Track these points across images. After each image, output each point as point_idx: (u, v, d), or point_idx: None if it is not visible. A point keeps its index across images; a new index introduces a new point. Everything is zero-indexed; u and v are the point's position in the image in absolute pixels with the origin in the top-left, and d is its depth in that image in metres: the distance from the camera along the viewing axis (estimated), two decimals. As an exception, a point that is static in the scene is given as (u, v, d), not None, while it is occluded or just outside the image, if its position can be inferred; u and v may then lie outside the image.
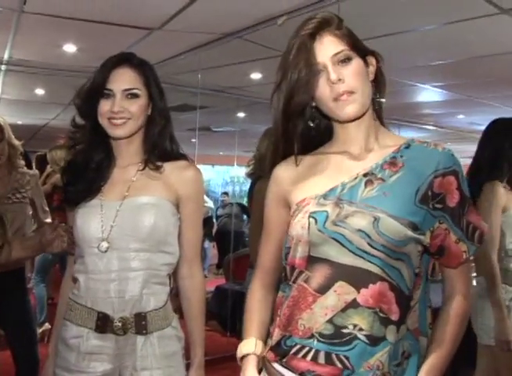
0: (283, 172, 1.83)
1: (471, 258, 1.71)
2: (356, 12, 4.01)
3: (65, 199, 2.28)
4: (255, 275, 1.95)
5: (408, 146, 1.69)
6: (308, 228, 1.64)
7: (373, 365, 1.57)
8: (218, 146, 12.31)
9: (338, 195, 1.66)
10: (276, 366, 1.68)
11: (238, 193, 14.97)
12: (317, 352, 1.59)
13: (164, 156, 2.23)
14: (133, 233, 2.09)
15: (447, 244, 1.65)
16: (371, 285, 1.57)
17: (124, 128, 2.14)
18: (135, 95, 2.14)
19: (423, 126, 9.85)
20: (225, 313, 6.77)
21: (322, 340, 1.59)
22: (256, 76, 6.46)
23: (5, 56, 5.95)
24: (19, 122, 9.92)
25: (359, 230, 1.58)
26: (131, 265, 2.09)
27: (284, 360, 1.66)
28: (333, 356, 1.58)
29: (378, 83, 1.74)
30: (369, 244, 1.57)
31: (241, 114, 8.84)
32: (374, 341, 1.57)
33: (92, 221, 2.13)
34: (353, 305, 1.57)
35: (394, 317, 1.59)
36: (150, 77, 2.20)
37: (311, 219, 1.65)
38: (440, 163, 1.62)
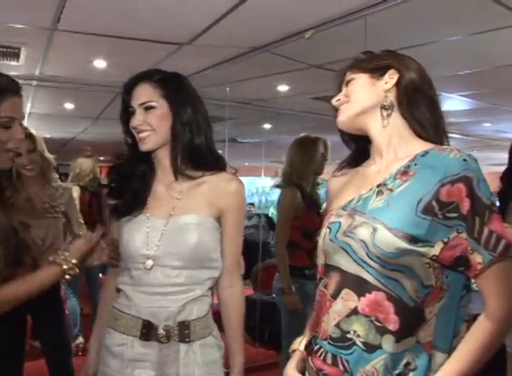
0: (331, 185, 2.04)
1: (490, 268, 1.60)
2: (383, 24, 4.06)
3: (112, 210, 2.34)
4: None
5: (424, 154, 1.69)
6: (324, 238, 1.79)
7: (369, 371, 1.62)
8: (243, 157, 12.38)
9: (354, 206, 1.75)
10: (310, 361, 1.79)
11: (264, 203, 14.96)
12: (326, 353, 1.70)
13: (200, 166, 2.25)
14: (177, 251, 2.15)
15: (468, 254, 1.59)
16: (367, 294, 1.64)
17: (149, 141, 2.20)
18: (151, 107, 2.18)
19: (449, 135, 9.81)
20: (254, 323, 6.79)
21: (331, 342, 1.69)
22: (283, 88, 6.51)
23: (37, 72, 6.06)
24: (48, 135, 10.03)
25: (362, 240, 1.64)
26: (176, 281, 2.15)
27: (310, 358, 1.79)
28: (338, 359, 1.67)
29: (399, 94, 1.79)
30: (367, 254, 1.63)
31: (267, 125, 8.91)
32: (370, 348, 1.63)
33: (138, 238, 2.19)
34: (355, 312, 1.65)
35: (392, 327, 1.62)
36: (171, 90, 2.22)
37: (327, 229, 1.79)
38: (448, 170, 1.59)
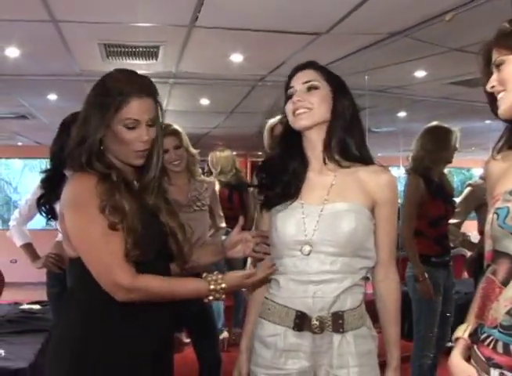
0: (491, 168, 1.91)
1: None
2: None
3: (263, 201, 2.36)
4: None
5: None
6: (491, 223, 1.72)
7: None
8: (377, 146, 12.19)
9: None
10: (476, 349, 1.74)
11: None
12: (497, 341, 1.65)
13: (350, 155, 2.26)
14: (333, 237, 2.15)
15: None
16: None
17: (307, 118, 2.21)
18: (314, 87, 2.23)
19: None
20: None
21: (502, 330, 1.63)
22: (420, 74, 6.35)
23: (173, 70, 6.18)
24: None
25: None
26: (331, 268, 2.15)
27: (476, 346, 1.74)
28: (511, 347, 1.61)
29: None
30: None
31: (402, 114, 8.75)
32: None
33: (294, 224, 2.20)
34: None
35: None
36: (333, 76, 2.29)
37: (494, 215, 1.71)
38: None
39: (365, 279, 2.28)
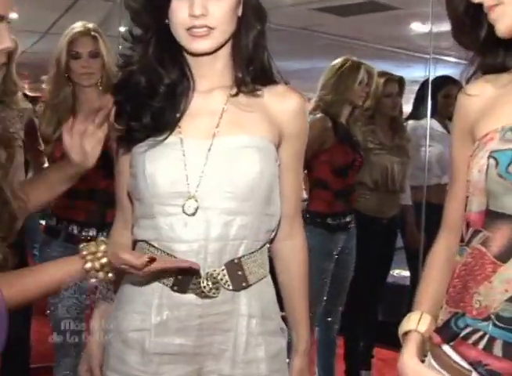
0: (467, 100, 1.40)
1: None
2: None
3: (122, 136, 1.58)
4: (440, 234, 1.49)
5: None
6: (486, 172, 1.23)
7: None
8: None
9: None
10: (446, 349, 1.30)
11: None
12: (492, 339, 1.20)
13: (262, 76, 1.59)
14: (230, 188, 1.48)
15: None
16: None
17: (209, 39, 1.48)
18: None
19: None
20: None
21: (500, 324, 1.19)
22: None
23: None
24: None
25: None
26: (225, 233, 1.49)
27: (452, 344, 1.28)
28: None
29: None
30: None
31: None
32: None
33: (171, 168, 1.50)
34: None
35: None
36: None
37: (490, 160, 1.22)
38: None
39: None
